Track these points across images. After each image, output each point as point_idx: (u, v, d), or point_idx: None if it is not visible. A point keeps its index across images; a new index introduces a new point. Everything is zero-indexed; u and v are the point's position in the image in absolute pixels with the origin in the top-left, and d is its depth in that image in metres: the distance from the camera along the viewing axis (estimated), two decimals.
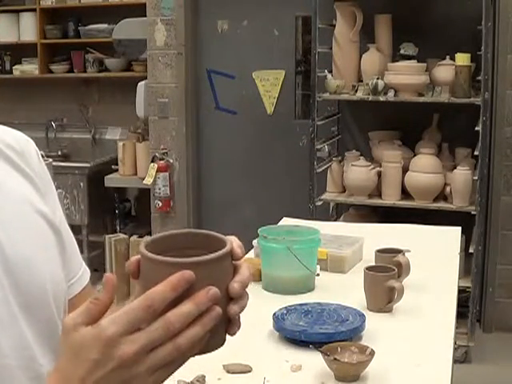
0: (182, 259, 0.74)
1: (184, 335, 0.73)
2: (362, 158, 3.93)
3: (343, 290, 2.00)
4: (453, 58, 3.72)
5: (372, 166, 3.86)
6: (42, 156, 1.08)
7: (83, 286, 1.09)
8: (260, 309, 1.77)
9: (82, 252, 4.68)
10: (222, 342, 0.79)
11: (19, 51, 5.08)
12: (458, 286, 2.14)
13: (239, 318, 0.79)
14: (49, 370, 0.86)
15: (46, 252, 0.97)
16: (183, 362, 0.76)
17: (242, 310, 0.79)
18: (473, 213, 3.66)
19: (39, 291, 0.93)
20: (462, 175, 3.70)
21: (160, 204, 4.57)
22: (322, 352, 1.50)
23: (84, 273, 1.10)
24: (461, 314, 3.38)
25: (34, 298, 0.92)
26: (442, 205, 3.78)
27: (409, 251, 2.04)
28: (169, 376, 0.75)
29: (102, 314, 0.75)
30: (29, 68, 5.13)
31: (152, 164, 4.52)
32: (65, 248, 1.03)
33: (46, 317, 0.94)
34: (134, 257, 0.79)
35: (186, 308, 0.72)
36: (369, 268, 1.90)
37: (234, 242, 0.80)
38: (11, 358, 0.87)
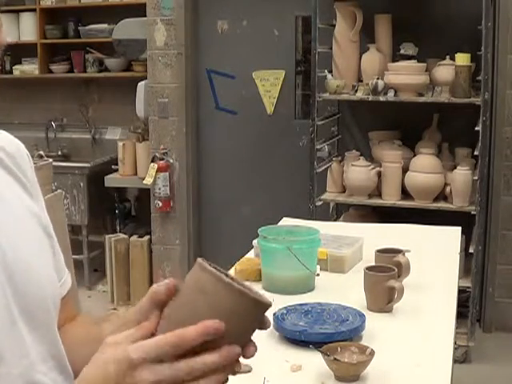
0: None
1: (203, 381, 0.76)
2: (361, 157, 3.93)
3: (343, 290, 2.00)
4: (453, 58, 3.72)
5: (372, 166, 3.86)
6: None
7: (67, 289, 1.09)
8: None
9: (81, 252, 4.71)
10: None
11: (19, 51, 5.07)
12: (458, 286, 2.13)
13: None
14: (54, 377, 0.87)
15: (43, 257, 0.97)
16: None
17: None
18: (473, 213, 3.66)
19: (39, 297, 0.93)
20: (461, 175, 3.70)
21: (160, 204, 4.56)
22: (322, 352, 1.50)
23: (68, 277, 1.10)
24: (461, 314, 3.38)
25: (35, 304, 0.92)
26: (442, 205, 3.78)
27: (409, 251, 2.03)
28: None
29: (144, 338, 0.77)
30: (29, 68, 5.13)
31: (152, 164, 4.52)
32: (55, 252, 1.03)
33: (45, 323, 0.94)
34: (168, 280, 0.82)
35: (211, 359, 0.76)
36: (369, 268, 1.90)
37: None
38: (12, 365, 0.87)
